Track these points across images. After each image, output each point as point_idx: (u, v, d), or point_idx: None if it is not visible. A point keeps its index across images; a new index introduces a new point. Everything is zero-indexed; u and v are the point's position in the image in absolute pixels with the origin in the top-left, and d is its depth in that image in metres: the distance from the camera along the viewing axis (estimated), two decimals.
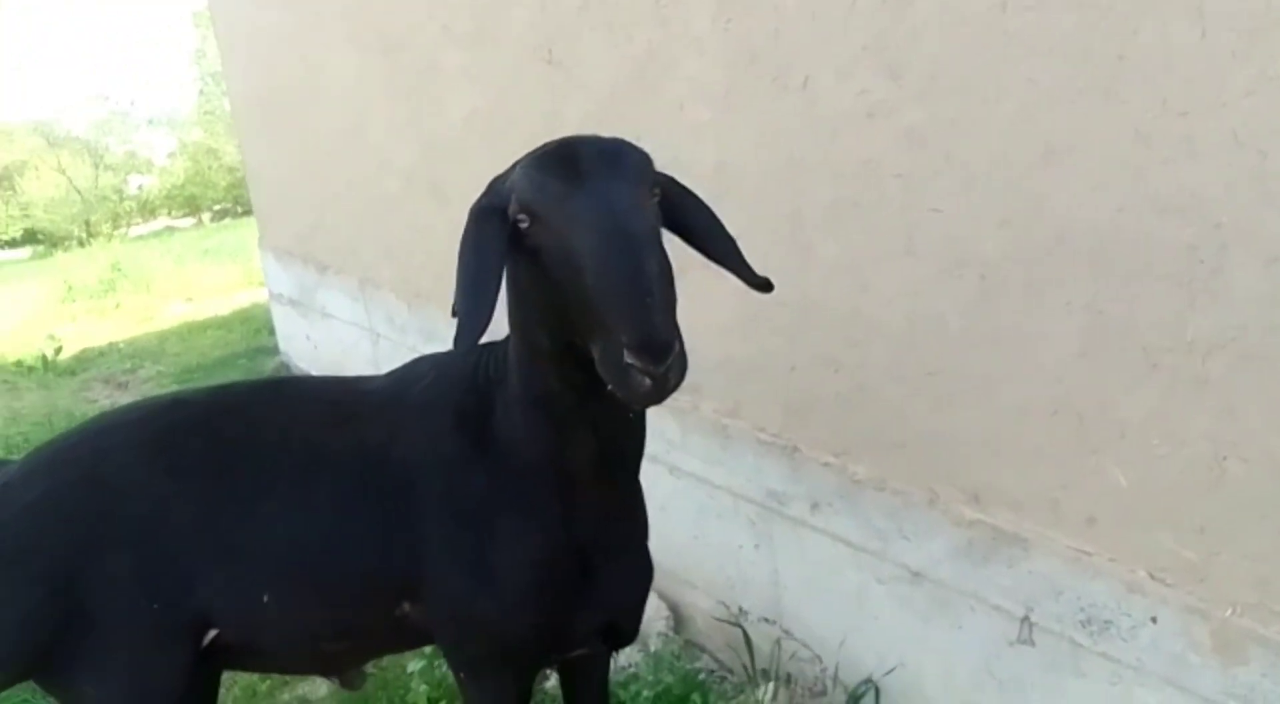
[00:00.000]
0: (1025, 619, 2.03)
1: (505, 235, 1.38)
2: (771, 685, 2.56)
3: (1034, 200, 1.80)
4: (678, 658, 2.71)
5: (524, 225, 1.36)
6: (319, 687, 2.84)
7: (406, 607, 1.76)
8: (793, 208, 2.27)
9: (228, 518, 1.75)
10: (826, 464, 2.41)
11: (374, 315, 4.82)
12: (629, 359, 1.20)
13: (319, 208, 5.14)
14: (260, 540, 1.75)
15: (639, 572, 1.85)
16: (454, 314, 1.36)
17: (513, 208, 1.37)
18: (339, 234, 4.98)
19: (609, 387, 1.26)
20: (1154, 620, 1.80)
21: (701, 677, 2.64)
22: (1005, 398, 1.95)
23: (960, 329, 1.99)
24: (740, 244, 1.55)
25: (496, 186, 1.45)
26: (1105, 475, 1.82)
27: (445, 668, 2.60)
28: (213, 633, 1.76)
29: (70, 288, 10.61)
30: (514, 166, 1.44)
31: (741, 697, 2.52)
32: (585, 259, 1.26)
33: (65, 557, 1.70)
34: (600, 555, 1.71)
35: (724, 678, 2.74)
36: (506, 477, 1.66)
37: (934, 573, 2.21)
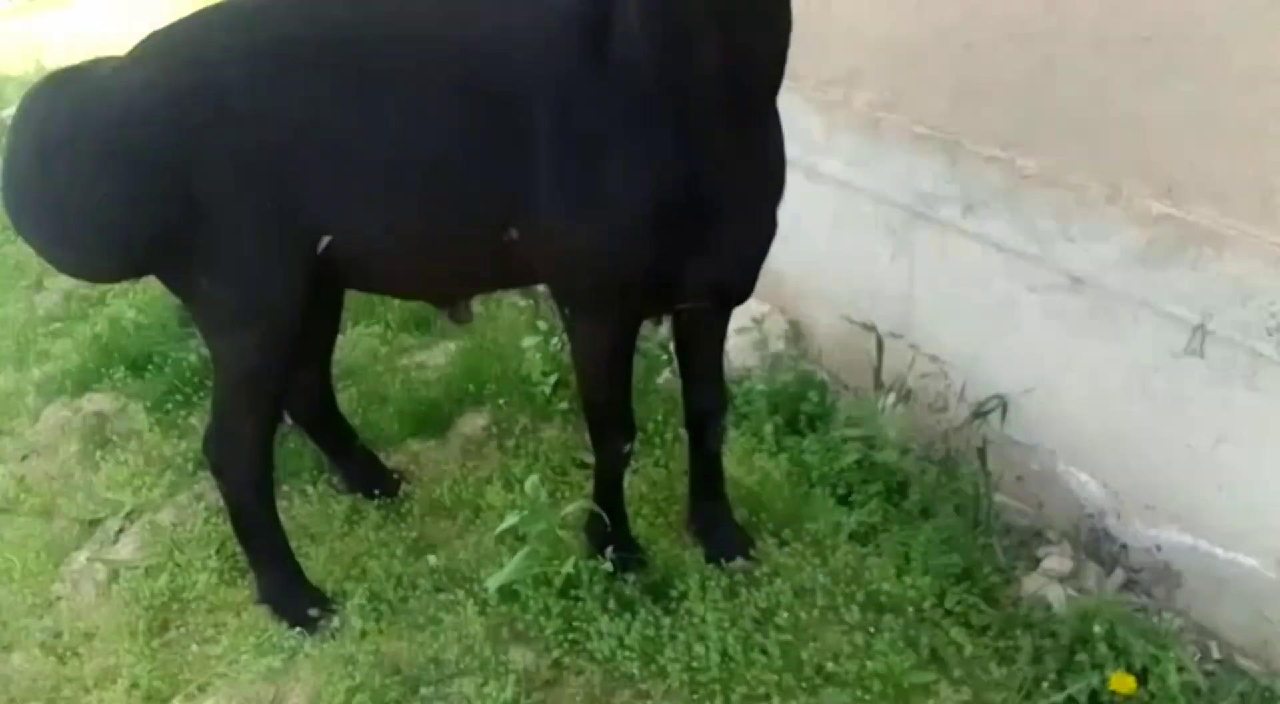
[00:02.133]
0: (1200, 327, 1.82)
1: None
2: (892, 396, 2.45)
3: None
4: (795, 361, 2.62)
5: None
6: (436, 354, 2.86)
7: (514, 234, 1.66)
8: None
9: (337, 114, 1.65)
10: (991, 158, 2.16)
11: None
12: None
13: None
14: (369, 141, 1.65)
15: (761, 227, 1.71)
16: None
17: None
18: None
19: None
20: None
21: (820, 377, 2.55)
22: (1234, 64, 1.64)
23: None
24: None
25: None
26: None
27: (558, 344, 2.58)
28: (326, 240, 1.70)
29: None
30: None
31: (860, 403, 2.42)
32: None
33: (173, 142, 1.63)
34: (721, 199, 1.56)
35: (842, 388, 2.64)
36: (624, 96, 1.50)
37: (1099, 279, 1.99)
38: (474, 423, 2.53)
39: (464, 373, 2.66)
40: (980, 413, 2.29)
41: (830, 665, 1.80)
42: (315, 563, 2.15)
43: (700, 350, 1.94)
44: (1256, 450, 1.79)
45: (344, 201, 1.68)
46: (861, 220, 2.56)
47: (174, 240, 1.68)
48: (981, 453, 2.21)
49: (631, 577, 1.99)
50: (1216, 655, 1.90)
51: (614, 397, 1.86)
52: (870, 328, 2.55)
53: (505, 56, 1.60)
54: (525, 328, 2.79)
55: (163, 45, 1.71)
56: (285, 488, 2.33)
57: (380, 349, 2.92)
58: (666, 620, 1.89)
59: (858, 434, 2.30)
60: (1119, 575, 2.09)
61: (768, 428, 2.34)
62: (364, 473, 2.33)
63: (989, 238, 2.21)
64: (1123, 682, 1.65)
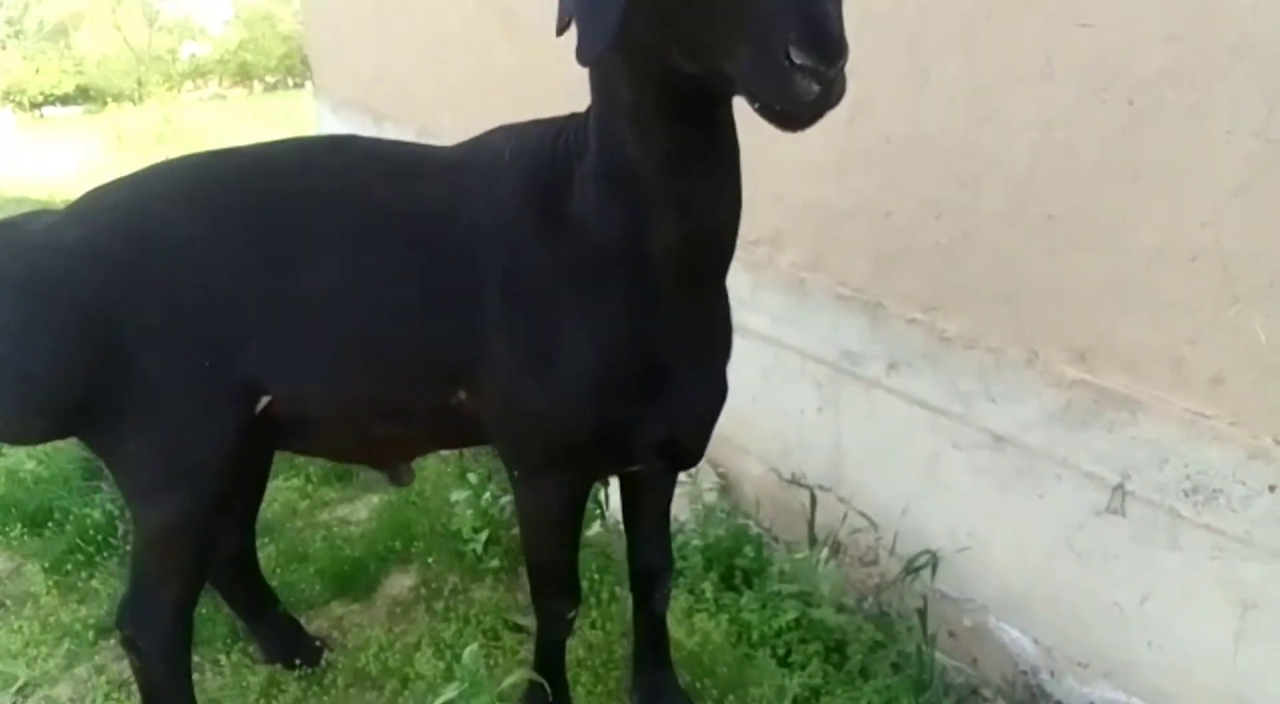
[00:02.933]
0: (1119, 487, 1.89)
1: None
2: (825, 551, 2.46)
3: (1206, 10, 1.59)
4: (728, 514, 2.62)
5: None
6: (359, 508, 2.78)
7: (461, 395, 1.65)
8: (913, 26, 2.07)
9: (276, 274, 1.63)
10: (913, 321, 2.26)
11: None
12: (796, 58, 1.02)
13: (380, 54, 4.95)
14: (310, 300, 1.63)
15: (712, 387, 1.73)
16: (561, 28, 1.20)
17: None
18: (398, 81, 4.81)
19: (760, 104, 1.10)
20: (1272, 489, 1.65)
21: (754, 530, 2.55)
22: (1139, 242, 1.77)
23: (1096, 163, 1.81)
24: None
25: None
26: (1243, 330, 1.65)
27: (490, 498, 2.53)
28: (265, 400, 1.66)
29: (121, 138, 10.53)
30: None
31: (793, 556, 2.42)
32: None
33: (105, 298, 1.60)
34: (673, 362, 1.58)
35: (772, 541, 2.64)
36: (577, 259, 1.52)
37: (1021, 438, 2.06)
38: (401, 583, 2.44)
39: (390, 529, 2.59)
40: (912, 568, 2.31)
41: None
42: None
43: (648, 509, 1.93)
44: (1181, 609, 1.84)
45: (284, 362, 1.64)
46: (789, 376, 2.62)
47: (105, 400, 1.62)
48: (921, 613, 2.21)
49: None
50: None
51: (560, 559, 1.82)
52: (800, 483, 2.58)
53: (456, 220, 1.61)
54: (454, 480, 2.74)
55: (102, 203, 1.69)
56: (196, 658, 2.18)
57: (300, 503, 2.83)
58: None
59: (795, 590, 2.29)
60: None
61: (706, 585, 2.31)
62: (284, 640, 2.21)
63: (913, 395, 2.29)
64: None
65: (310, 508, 2.81)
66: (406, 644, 2.24)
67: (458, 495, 2.56)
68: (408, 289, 1.61)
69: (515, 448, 1.70)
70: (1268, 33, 1.53)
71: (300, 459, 2.97)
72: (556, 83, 3.63)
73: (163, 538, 1.72)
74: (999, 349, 2.07)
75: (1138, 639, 1.92)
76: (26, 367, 1.61)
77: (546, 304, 1.55)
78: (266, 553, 2.55)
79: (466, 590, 2.41)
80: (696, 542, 2.43)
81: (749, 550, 2.40)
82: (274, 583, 2.35)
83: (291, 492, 2.86)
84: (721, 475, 2.91)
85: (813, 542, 2.46)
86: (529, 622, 2.09)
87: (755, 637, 2.19)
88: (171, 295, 1.60)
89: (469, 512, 2.48)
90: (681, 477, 2.73)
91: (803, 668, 2.11)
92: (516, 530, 2.49)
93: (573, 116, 1.55)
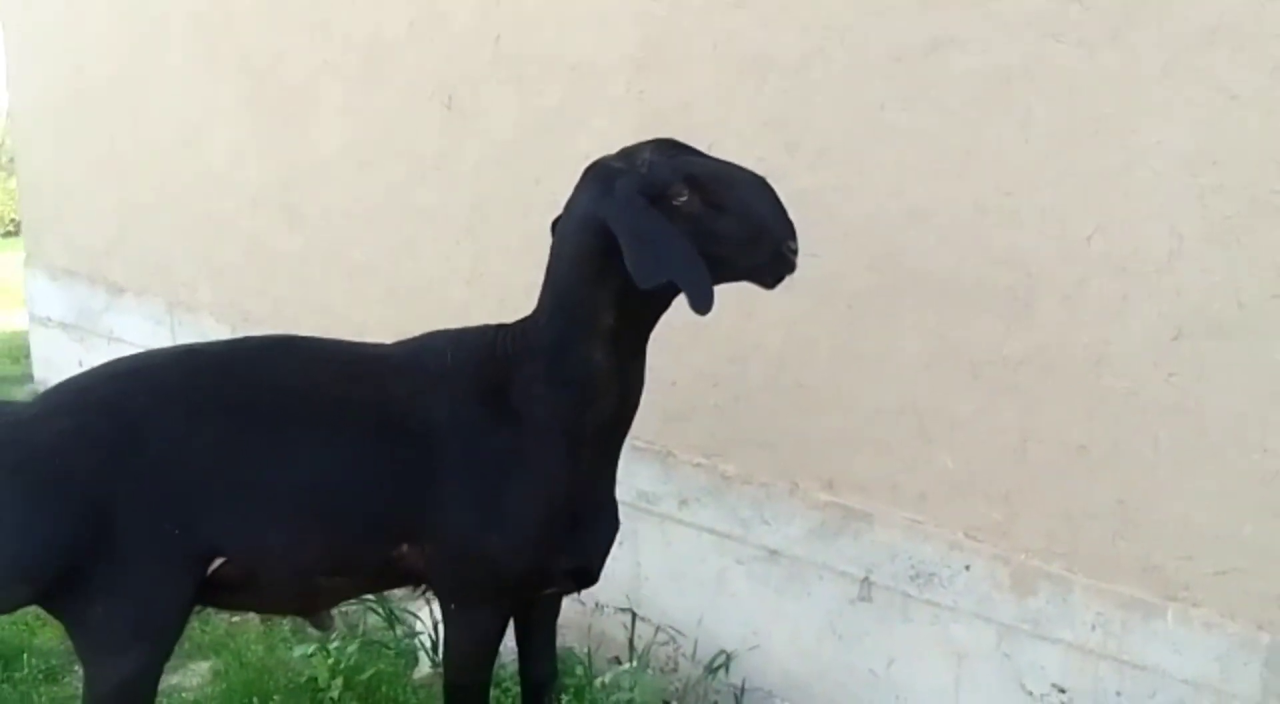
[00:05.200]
0: (865, 580, 2.57)
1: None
2: (630, 666, 2.92)
3: (896, 251, 2.40)
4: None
5: (681, 199, 1.79)
6: (188, 676, 2.84)
7: (404, 548, 1.99)
8: None
9: (242, 457, 1.91)
10: (698, 464, 2.87)
11: (183, 338, 4.72)
12: (792, 248, 1.83)
13: (122, 223, 4.96)
14: (273, 480, 1.92)
15: (613, 521, 2.18)
16: (652, 284, 1.72)
17: (676, 188, 1.78)
18: (145, 252, 4.85)
19: (770, 280, 1.87)
20: (968, 568, 2.39)
21: (576, 651, 2.95)
22: (862, 402, 2.51)
23: (829, 349, 2.55)
24: None
25: (626, 181, 1.79)
26: (937, 460, 2.41)
27: (339, 646, 2.74)
28: (218, 562, 1.91)
29: None
30: (630, 162, 1.83)
31: (614, 670, 2.86)
32: (754, 199, 1.83)
33: (97, 483, 1.81)
34: (586, 507, 2.04)
35: (577, 664, 3.06)
36: (522, 441, 1.95)
37: (789, 550, 2.71)
38: None
39: (241, 691, 2.69)
40: (711, 668, 2.84)
41: None
42: None
43: (541, 626, 2.28)
44: (916, 666, 2.52)
45: (251, 532, 1.90)
46: None
47: (80, 570, 1.79)
48: None
49: None
50: None
51: (484, 679, 2.13)
52: (605, 607, 3.05)
53: (411, 413, 1.97)
54: (289, 638, 2.89)
55: (90, 396, 1.92)
56: None
57: None
58: None
59: (621, 699, 2.72)
60: None
61: None
62: None
63: (702, 524, 2.88)
64: None
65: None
66: None
67: (302, 650, 2.74)
68: (369, 470, 1.95)
69: (458, 586, 2.03)
70: (934, 269, 2.35)
71: None
72: (335, 264, 4.05)
73: (118, 693, 1.87)
74: (768, 483, 2.72)
75: (888, 696, 2.57)
76: (20, 542, 1.78)
77: (499, 477, 1.96)
78: None
79: None
80: (501, 672, 2.79)
81: (579, 670, 2.81)
82: None
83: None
84: None
85: (632, 654, 2.92)
86: None
87: None
88: (154, 479, 1.84)
89: (328, 660, 2.68)
90: None
91: None
92: (367, 674, 2.73)
93: (501, 327, 2.02)
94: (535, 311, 1.99)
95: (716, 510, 2.84)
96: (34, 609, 2.26)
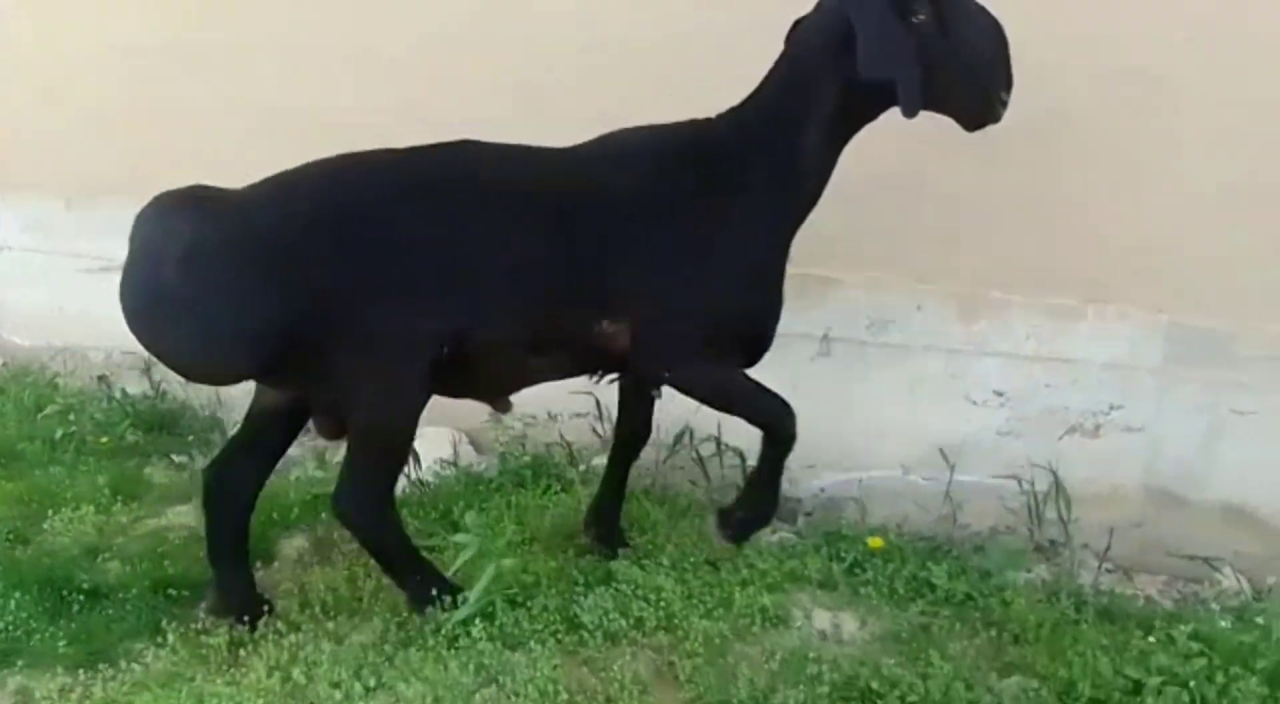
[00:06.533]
0: (824, 336, 2.97)
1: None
2: None
3: None
4: None
5: (920, 18, 2.01)
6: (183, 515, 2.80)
7: (604, 324, 2.18)
8: None
9: (459, 244, 2.09)
10: None
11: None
12: (997, 101, 2.09)
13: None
14: (490, 263, 2.11)
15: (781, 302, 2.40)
16: (866, 74, 1.99)
17: (918, 4, 2.00)
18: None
19: (965, 121, 2.12)
20: (919, 308, 2.86)
21: None
22: None
23: None
24: None
25: None
26: (896, 220, 2.83)
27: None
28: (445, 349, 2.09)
29: None
30: None
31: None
32: (985, 41, 2.05)
33: (325, 270, 2.00)
34: (777, 280, 2.31)
35: None
36: (731, 208, 2.20)
37: None
38: (295, 544, 2.62)
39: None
40: (678, 437, 3.16)
41: None
42: None
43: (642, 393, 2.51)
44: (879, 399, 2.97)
45: (471, 311, 2.10)
46: None
47: (314, 346, 2.02)
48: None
49: None
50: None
51: (751, 386, 2.30)
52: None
53: (607, 193, 2.19)
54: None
55: (310, 184, 2.10)
56: (140, 645, 2.20)
57: (105, 526, 2.74)
58: None
59: None
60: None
61: None
62: (242, 595, 2.35)
63: None
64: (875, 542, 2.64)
65: (119, 526, 2.75)
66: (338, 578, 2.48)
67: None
68: (573, 247, 2.14)
69: (668, 348, 2.22)
70: None
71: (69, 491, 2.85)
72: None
73: (379, 437, 2.17)
74: None
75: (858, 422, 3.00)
76: (242, 319, 1.96)
77: (707, 239, 2.17)
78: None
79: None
80: None
81: None
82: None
83: (83, 523, 2.75)
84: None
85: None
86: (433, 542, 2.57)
87: None
88: (380, 268, 2.02)
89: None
90: None
91: None
92: None
93: (700, 119, 2.24)
94: (747, 102, 2.21)
95: None
96: None
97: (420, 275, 2.06)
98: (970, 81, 2.07)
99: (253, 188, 2.08)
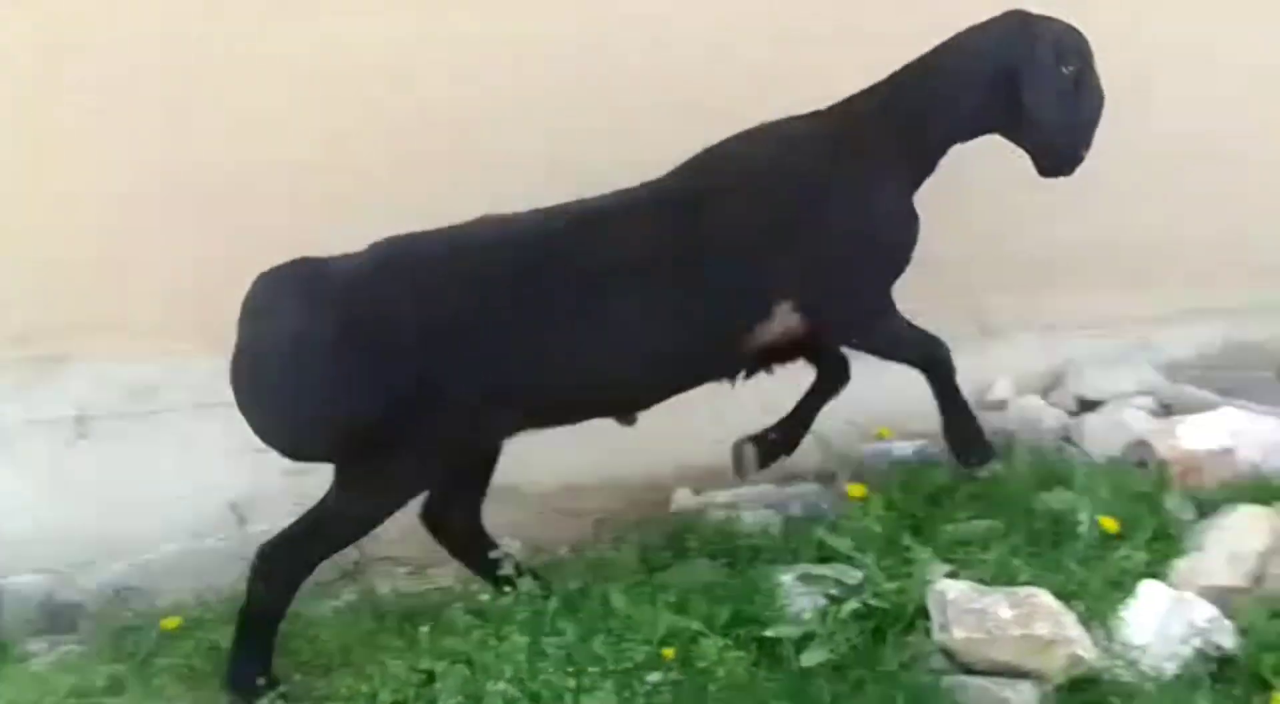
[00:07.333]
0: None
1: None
2: None
3: None
4: None
5: (1069, 69, 2.30)
6: None
7: (785, 306, 2.29)
8: None
9: (556, 330, 2.17)
10: None
11: None
12: (1077, 155, 2.37)
13: None
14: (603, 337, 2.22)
15: None
16: (1031, 107, 2.31)
17: (1072, 58, 2.30)
18: None
19: (1042, 164, 2.39)
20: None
21: None
22: None
23: None
24: None
25: (1046, 47, 2.30)
26: None
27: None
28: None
29: None
30: (1036, 30, 2.32)
31: None
32: (1096, 100, 2.38)
33: (421, 352, 2.04)
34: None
35: None
36: (872, 180, 2.39)
37: None
38: None
39: None
40: None
41: None
42: None
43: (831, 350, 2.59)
44: None
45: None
46: None
47: (386, 430, 2.06)
48: None
49: None
50: None
51: (916, 336, 2.45)
52: None
53: (777, 171, 2.37)
54: None
55: (416, 257, 2.14)
56: None
57: None
58: None
59: None
60: None
61: None
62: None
63: None
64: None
65: None
66: None
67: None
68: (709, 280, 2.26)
69: (857, 303, 2.40)
70: None
71: None
72: None
73: (357, 526, 2.23)
74: None
75: None
76: (334, 401, 2.01)
77: (864, 206, 2.37)
78: None
79: None
80: None
81: None
82: None
83: None
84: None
85: None
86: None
87: None
88: (473, 350, 2.07)
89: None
90: None
91: None
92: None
93: (820, 113, 2.44)
94: (882, 89, 2.42)
95: None
96: None
97: (505, 361, 2.14)
98: (1069, 135, 2.36)
99: (369, 259, 2.11)
